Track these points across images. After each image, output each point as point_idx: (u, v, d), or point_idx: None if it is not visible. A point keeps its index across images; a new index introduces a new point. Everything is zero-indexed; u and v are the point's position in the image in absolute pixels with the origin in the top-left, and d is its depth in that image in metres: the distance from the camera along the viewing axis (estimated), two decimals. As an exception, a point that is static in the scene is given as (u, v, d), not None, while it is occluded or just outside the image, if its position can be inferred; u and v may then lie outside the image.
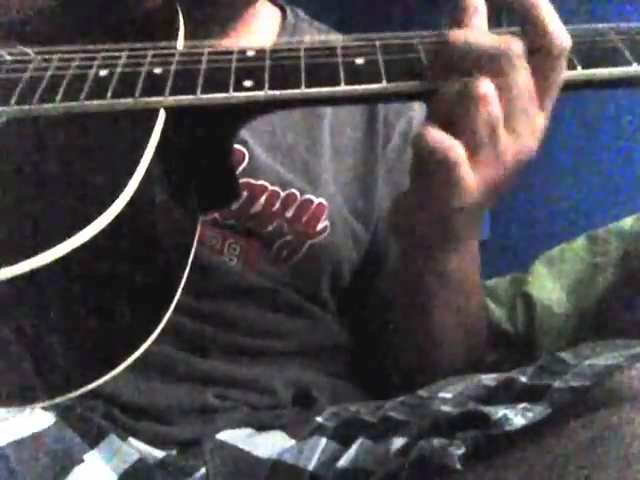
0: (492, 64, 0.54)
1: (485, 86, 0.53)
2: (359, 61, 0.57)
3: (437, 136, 0.54)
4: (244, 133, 0.72)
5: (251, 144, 0.74)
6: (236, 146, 0.71)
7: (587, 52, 0.58)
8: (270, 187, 0.74)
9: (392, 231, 0.66)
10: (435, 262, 0.64)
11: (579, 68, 0.57)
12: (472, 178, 0.55)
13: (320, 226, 0.75)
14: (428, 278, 0.65)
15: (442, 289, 0.66)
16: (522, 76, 0.54)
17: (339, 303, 0.80)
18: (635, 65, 0.57)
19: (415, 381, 0.66)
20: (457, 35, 0.55)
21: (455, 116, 0.54)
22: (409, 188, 0.60)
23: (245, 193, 0.72)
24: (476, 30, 0.56)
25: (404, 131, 0.82)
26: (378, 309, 0.80)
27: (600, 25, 0.60)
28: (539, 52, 0.55)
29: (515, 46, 0.54)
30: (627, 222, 0.99)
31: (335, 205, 0.76)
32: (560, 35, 0.55)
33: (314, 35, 0.83)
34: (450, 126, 0.54)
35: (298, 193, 0.75)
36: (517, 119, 0.55)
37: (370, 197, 0.79)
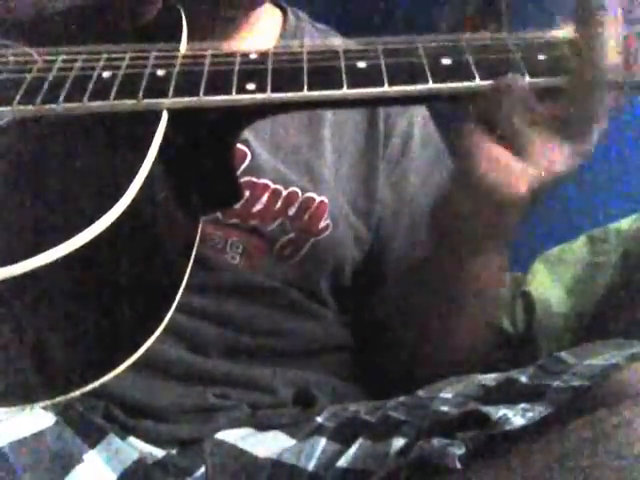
0: None
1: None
2: (361, 65, 0.57)
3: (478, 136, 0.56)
4: (246, 132, 0.72)
5: (253, 143, 0.74)
6: (238, 145, 0.71)
7: None
8: (272, 185, 0.74)
9: (433, 229, 0.67)
10: (468, 263, 0.65)
11: None
12: (518, 168, 0.56)
13: (322, 224, 0.75)
14: (458, 280, 0.67)
15: (468, 293, 0.67)
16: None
17: (340, 302, 0.80)
18: None
19: (415, 377, 0.66)
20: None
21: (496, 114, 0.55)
22: (453, 184, 0.61)
23: (247, 192, 0.72)
24: None
25: (405, 130, 0.82)
26: (379, 308, 0.81)
27: None
28: None
29: None
30: (627, 222, 0.99)
31: (337, 203, 0.76)
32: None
33: (315, 36, 0.83)
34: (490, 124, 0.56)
35: (300, 191, 0.75)
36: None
37: (371, 196, 0.79)
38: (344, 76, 0.56)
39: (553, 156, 0.56)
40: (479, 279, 0.66)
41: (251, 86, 0.56)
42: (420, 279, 0.75)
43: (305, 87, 0.56)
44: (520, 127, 0.55)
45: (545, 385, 0.52)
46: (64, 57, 0.60)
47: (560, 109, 0.56)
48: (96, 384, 0.51)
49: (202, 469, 0.67)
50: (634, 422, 0.48)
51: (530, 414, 0.50)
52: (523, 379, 0.55)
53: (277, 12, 0.84)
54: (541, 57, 0.58)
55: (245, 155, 0.73)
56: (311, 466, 0.64)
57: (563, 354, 0.55)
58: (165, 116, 0.55)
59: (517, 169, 0.56)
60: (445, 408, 0.57)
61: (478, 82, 0.56)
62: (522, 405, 0.51)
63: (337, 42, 0.79)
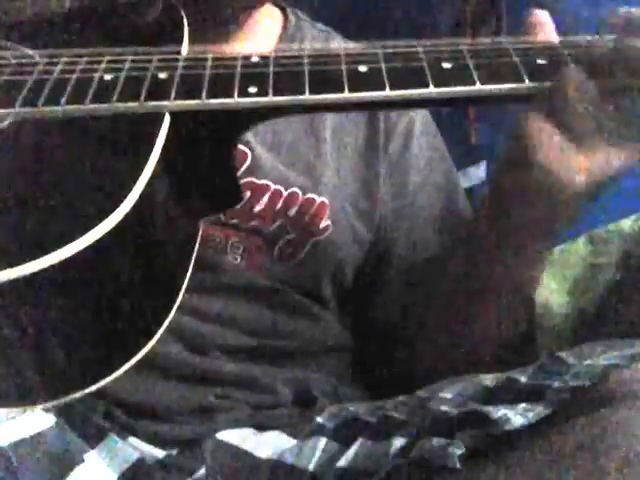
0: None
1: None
2: (362, 68, 0.57)
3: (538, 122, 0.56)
4: (247, 133, 0.72)
5: (254, 144, 0.74)
6: (239, 146, 0.72)
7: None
8: (273, 186, 0.74)
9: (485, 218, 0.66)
10: (510, 260, 0.64)
11: None
12: (578, 161, 0.56)
13: (322, 225, 0.75)
14: (495, 277, 0.66)
15: (501, 289, 0.67)
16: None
17: (341, 303, 0.80)
18: None
19: (415, 377, 0.66)
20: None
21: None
22: (507, 171, 0.61)
23: (248, 192, 0.72)
24: None
25: (405, 131, 0.82)
26: (381, 309, 0.81)
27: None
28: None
29: None
30: (627, 222, 0.99)
31: (337, 204, 0.76)
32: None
33: (315, 36, 0.83)
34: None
35: (300, 192, 0.75)
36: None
37: (372, 196, 0.79)
38: (345, 80, 0.56)
39: (612, 152, 0.56)
40: (513, 279, 0.66)
41: (253, 89, 0.56)
42: (426, 279, 0.75)
43: (307, 91, 0.56)
44: (583, 119, 0.55)
45: (545, 385, 0.52)
46: (66, 59, 0.60)
47: (624, 108, 0.56)
48: (98, 386, 0.51)
49: (202, 469, 0.67)
50: (634, 422, 0.48)
51: (530, 414, 0.50)
52: (523, 379, 0.55)
53: (277, 12, 0.84)
54: (540, 61, 0.58)
55: (246, 156, 0.73)
56: (311, 466, 0.64)
57: (563, 354, 0.55)
58: (167, 119, 0.55)
59: (576, 161, 0.56)
60: (445, 408, 0.57)
61: (478, 86, 0.56)
62: (522, 405, 0.51)
63: (337, 43, 0.80)
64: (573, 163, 0.56)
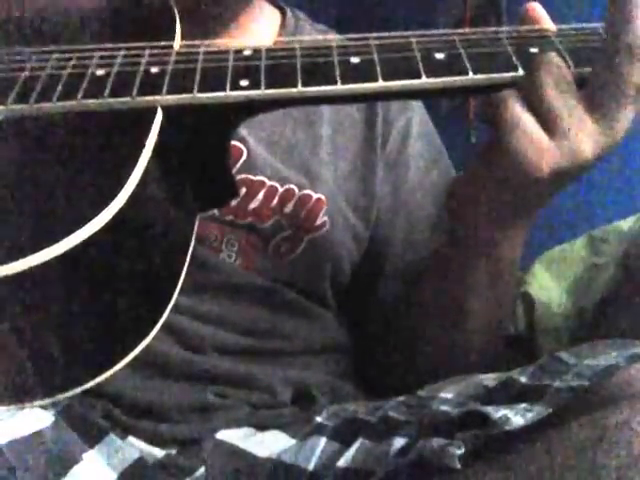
0: None
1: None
2: (355, 60, 0.57)
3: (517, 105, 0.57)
4: (242, 129, 0.72)
5: (249, 140, 0.74)
6: (234, 142, 0.72)
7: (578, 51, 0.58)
8: (268, 182, 0.74)
9: (452, 211, 0.67)
10: (488, 247, 0.65)
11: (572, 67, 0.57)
12: (548, 146, 0.57)
13: (319, 221, 0.75)
14: (477, 268, 0.67)
15: (487, 280, 0.67)
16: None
17: (339, 302, 0.80)
18: None
19: (415, 376, 0.66)
20: None
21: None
22: (475, 165, 0.62)
23: (244, 189, 0.72)
24: None
25: (403, 130, 0.82)
26: (378, 308, 0.81)
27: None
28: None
29: None
30: (627, 222, 0.99)
31: (334, 201, 0.76)
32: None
33: (314, 36, 0.83)
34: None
35: (296, 188, 0.75)
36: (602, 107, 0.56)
37: (369, 194, 0.79)
38: (337, 72, 0.56)
39: (583, 137, 0.56)
40: (491, 275, 0.67)
41: (245, 82, 0.56)
42: (421, 278, 0.75)
43: (299, 83, 0.56)
44: (556, 104, 0.56)
45: (545, 385, 0.52)
46: (57, 56, 0.60)
47: (593, 85, 0.56)
48: (93, 383, 0.51)
49: (202, 469, 0.67)
50: (634, 422, 0.48)
51: (530, 414, 0.50)
52: (523, 379, 0.55)
53: (276, 13, 0.84)
54: (533, 50, 0.58)
55: (241, 152, 0.73)
56: (311, 466, 0.63)
57: (563, 354, 0.55)
58: (160, 113, 0.55)
59: (546, 146, 0.56)
60: (445, 408, 0.56)
61: (471, 76, 0.56)
62: (522, 405, 0.51)
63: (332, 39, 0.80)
64: (543, 149, 0.56)
